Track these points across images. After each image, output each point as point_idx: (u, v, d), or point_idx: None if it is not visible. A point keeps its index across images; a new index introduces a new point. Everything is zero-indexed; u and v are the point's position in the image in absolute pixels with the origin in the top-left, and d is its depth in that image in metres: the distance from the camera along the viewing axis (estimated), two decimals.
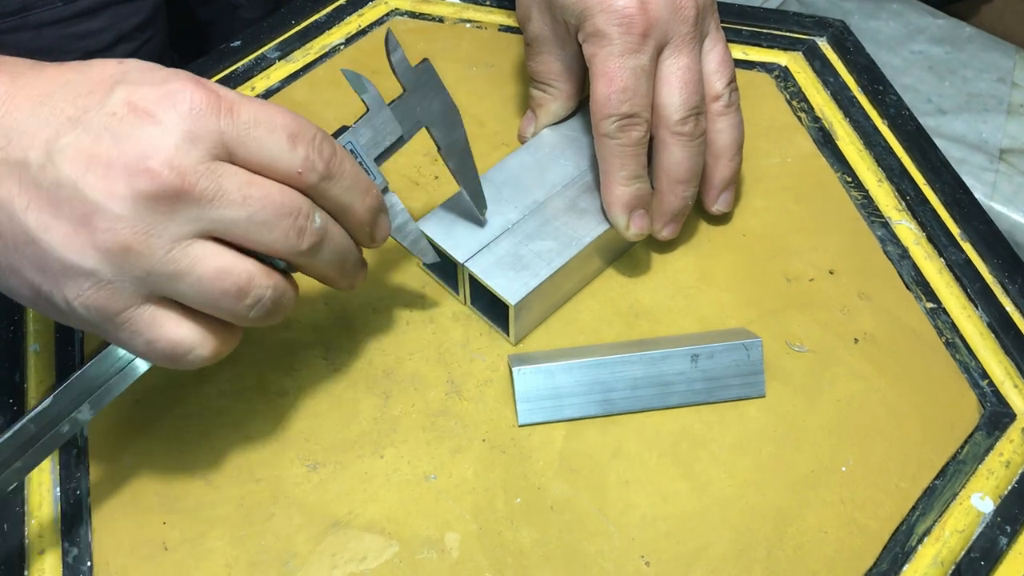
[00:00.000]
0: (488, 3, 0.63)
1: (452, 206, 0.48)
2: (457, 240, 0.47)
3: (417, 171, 0.54)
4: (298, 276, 0.39)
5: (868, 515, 0.42)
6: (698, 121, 0.47)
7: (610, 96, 0.45)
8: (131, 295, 0.34)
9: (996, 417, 0.45)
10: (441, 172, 0.54)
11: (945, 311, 0.49)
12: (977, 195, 0.56)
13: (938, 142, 0.57)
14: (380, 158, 0.42)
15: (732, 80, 0.49)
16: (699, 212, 0.52)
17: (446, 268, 0.48)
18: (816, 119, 0.57)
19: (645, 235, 0.48)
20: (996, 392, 0.46)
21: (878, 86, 0.59)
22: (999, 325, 0.48)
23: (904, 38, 1.05)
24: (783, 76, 0.59)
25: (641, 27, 0.45)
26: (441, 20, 0.62)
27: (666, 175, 0.47)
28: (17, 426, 0.37)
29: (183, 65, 0.48)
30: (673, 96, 0.46)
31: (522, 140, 0.55)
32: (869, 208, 0.53)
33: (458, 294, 0.49)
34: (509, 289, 0.45)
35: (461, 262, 0.46)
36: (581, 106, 0.53)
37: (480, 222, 0.47)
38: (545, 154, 0.51)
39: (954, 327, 0.49)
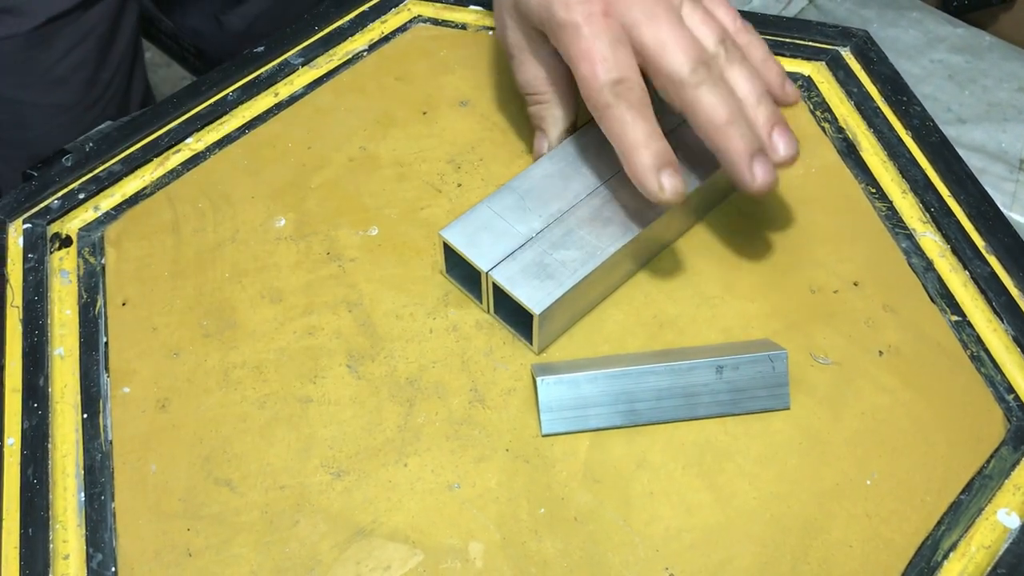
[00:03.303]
0: None
1: (476, 215, 0.48)
2: (481, 249, 0.47)
3: (440, 178, 0.54)
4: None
5: (893, 529, 0.42)
6: (710, 67, 0.45)
7: (594, 70, 0.45)
8: None
9: (1022, 432, 0.45)
10: (464, 180, 0.54)
11: (970, 324, 0.49)
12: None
13: (958, 151, 0.57)
14: None
15: (724, 38, 0.47)
16: (723, 221, 0.52)
17: (469, 276, 0.48)
18: (840, 130, 0.57)
19: (681, 195, 0.45)
20: (1022, 407, 0.46)
21: (902, 97, 0.58)
22: None
23: (924, 47, 1.05)
24: (806, 86, 0.59)
25: (601, 6, 0.45)
26: (464, 27, 0.63)
27: (712, 126, 0.45)
28: None
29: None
30: (673, 56, 0.45)
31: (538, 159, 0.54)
32: (893, 220, 0.53)
33: (481, 302, 0.49)
34: (533, 298, 0.45)
35: (485, 270, 0.46)
36: None
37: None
38: (568, 163, 0.51)
39: (979, 341, 0.48)
